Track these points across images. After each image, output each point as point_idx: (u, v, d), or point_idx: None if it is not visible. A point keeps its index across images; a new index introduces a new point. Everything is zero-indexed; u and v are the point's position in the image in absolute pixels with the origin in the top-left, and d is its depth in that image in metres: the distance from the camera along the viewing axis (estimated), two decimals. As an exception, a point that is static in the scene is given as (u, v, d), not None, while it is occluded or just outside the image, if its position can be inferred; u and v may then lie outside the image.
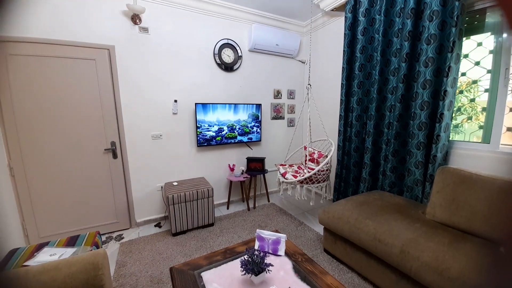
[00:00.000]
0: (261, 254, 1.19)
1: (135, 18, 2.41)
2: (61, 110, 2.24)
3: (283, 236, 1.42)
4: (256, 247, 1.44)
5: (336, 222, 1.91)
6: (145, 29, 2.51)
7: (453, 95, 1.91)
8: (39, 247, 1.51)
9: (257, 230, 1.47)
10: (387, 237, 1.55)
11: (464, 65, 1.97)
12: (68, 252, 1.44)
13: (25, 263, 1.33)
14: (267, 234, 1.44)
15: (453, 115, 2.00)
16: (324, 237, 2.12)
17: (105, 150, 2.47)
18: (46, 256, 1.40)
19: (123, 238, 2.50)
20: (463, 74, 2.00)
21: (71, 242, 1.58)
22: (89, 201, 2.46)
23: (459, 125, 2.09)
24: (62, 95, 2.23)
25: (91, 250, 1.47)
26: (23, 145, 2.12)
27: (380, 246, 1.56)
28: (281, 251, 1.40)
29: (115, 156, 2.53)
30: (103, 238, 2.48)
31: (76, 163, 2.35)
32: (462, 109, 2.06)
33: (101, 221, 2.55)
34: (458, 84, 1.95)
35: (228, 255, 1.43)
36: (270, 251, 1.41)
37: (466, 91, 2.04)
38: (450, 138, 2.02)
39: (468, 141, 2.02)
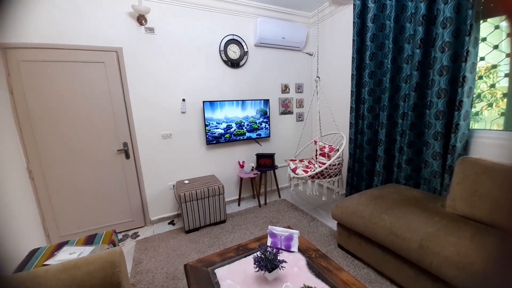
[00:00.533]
0: (274, 250, 1.17)
1: (140, 19, 2.42)
2: (74, 113, 2.30)
3: (295, 232, 1.40)
4: (268, 243, 1.43)
5: (350, 217, 1.86)
6: (151, 29, 2.52)
7: (473, 81, 1.80)
8: (59, 246, 1.56)
9: (269, 226, 1.46)
10: (405, 231, 1.49)
11: (482, 49, 1.85)
12: (86, 250, 1.48)
13: (46, 262, 1.38)
14: (279, 230, 1.43)
15: (473, 102, 1.89)
16: (338, 232, 2.08)
17: (118, 150, 2.53)
18: (66, 254, 1.45)
19: (138, 236, 2.56)
20: (482, 59, 1.88)
21: (89, 240, 1.63)
22: (105, 200, 2.53)
23: (479, 112, 1.97)
24: (74, 98, 2.29)
25: (108, 248, 1.51)
26: (40, 148, 2.20)
27: (397, 241, 1.50)
28: (294, 247, 1.38)
29: (127, 156, 2.58)
30: (120, 236, 2.55)
31: (91, 164, 2.42)
32: (481, 95, 1.94)
33: (118, 219, 2.62)
34: (477, 69, 1.84)
35: (240, 251, 1.42)
36: (283, 248, 1.39)
37: (485, 76, 1.91)
38: (470, 127, 1.91)
39: (489, 129, 1.90)
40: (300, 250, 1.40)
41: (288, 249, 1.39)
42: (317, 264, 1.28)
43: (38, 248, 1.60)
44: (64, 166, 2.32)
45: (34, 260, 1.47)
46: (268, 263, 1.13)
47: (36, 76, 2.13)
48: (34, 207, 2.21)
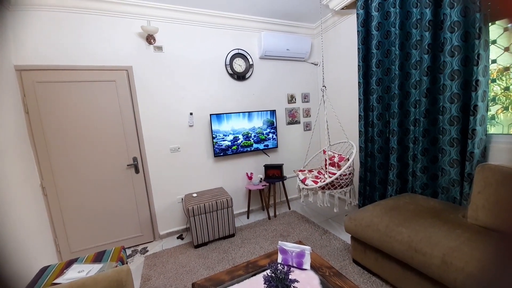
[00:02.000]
0: (285, 268, 1.11)
1: (149, 39, 2.52)
2: (85, 130, 2.37)
3: (307, 248, 1.34)
4: (279, 260, 1.37)
5: (364, 230, 1.78)
6: (159, 48, 2.61)
7: (486, 84, 1.73)
8: (69, 264, 1.56)
9: (279, 242, 1.40)
10: (425, 246, 1.40)
11: (492, 52, 1.79)
12: (95, 268, 1.47)
13: (55, 281, 1.38)
14: (290, 246, 1.37)
15: (488, 106, 1.81)
16: (352, 247, 1.98)
17: (127, 165, 2.56)
18: (75, 273, 1.44)
19: (147, 251, 2.54)
20: (493, 61, 1.82)
21: (98, 258, 1.62)
22: (115, 215, 2.54)
23: (495, 116, 1.88)
24: (86, 116, 2.36)
25: (116, 265, 1.49)
26: (53, 165, 2.27)
27: (417, 257, 1.41)
28: (306, 265, 1.31)
29: (137, 171, 2.61)
30: (129, 251, 2.54)
31: (101, 179, 2.46)
32: (496, 98, 1.86)
33: (127, 234, 2.61)
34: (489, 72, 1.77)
35: (250, 269, 1.37)
36: (294, 265, 1.33)
37: (498, 79, 1.84)
38: (487, 132, 1.82)
39: (508, 134, 1.80)
40: (313, 267, 1.33)
41: (299, 267, 1.32)
42: (332, 283, 1.21)
43: (48, 266, 1.60)
44: (76, 182, 2.36)
45: (44, 278, 1.47)
46: (279, 283, 1.07)
47: (51, 96, 2.22)
48: (47, 224, 2.25)
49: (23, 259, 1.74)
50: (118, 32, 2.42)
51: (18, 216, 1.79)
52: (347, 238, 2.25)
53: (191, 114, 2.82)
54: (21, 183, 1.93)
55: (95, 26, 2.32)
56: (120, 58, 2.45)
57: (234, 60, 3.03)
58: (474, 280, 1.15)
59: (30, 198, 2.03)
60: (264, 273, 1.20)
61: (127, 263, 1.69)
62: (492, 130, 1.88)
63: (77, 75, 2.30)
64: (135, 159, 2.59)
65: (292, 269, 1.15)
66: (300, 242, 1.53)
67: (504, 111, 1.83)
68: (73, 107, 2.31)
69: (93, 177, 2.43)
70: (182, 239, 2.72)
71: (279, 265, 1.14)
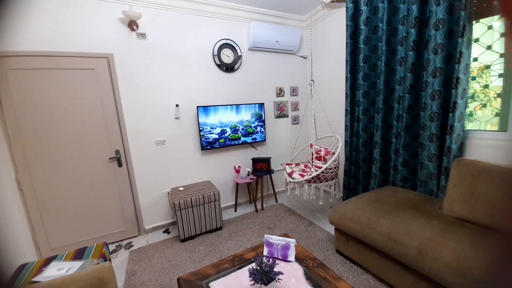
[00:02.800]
0: (270, 261, 1.13)
1: (132, 25, 2.38)
2: (64, 121, 2.24)
3: (292, 241, 1.37)
4: (265, 253, 1.39)
5: (347, 222, 1.83)
6: (142, 35, 2.48)
7: (466, 82, 1.80)
8: (47, 261, 1.50)
9: (265, 235, 1.42)
10: (403, 236, 1.47)
11: (475, 50, 1.85)
12: (75, 265, 1.42)
13: (34, 279, 1.32)
14: (275, 239, 1.39)
15: (467, 103, 1.89)
16: (336, 238, 2.05)
17: (110, 159, 2.47)
18: (54, 270, 1.38)
19: (132, 246, 2.50)
20: (475, 60, 1.88)
21: (79, 255, 1.57)
22: (97, 210, 2.46)
23: (473, 112, 1.97)
24: (64, 106, 2.23)
25: (98, 262, 1.45)
26: (28, 158, 2.14)
27: (396, 247, 1.48)
28: (291, 257, 1.34)
29: (120, 164, 2.52)
30: (113, 247, 2.48)
31: (82, 173, 2.36)
32: (474, 96, 1.94)
33: (110, 229, 2.55)
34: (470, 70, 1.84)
35: (236, 262, 1.38)
36: (279, 257, 1.36)
37: (478, 76, 1.92)
38: (465, 128, 1.91)
39: (484, 130, 1.90)
40: (298, 259, 1.36)
41: (285, 259, 1.35)
42: (315, 274, 1.25)
43: (26, 264, 1.53)
44: (54, 175, 2.25)
45: (22, 276, 1.41)
46: (264, 276, 1.08)
47: (26, 84, 2.07)
48: (24, 219, 2.14)
49: (0, 256, 1.65)
50: (98, 17, 2.27)
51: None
52: (331, 229, 2.32)
53: (177, 106, 2.74)
54: (-7, 177, 1.82)
55: (74, 11, 2.15)
56: (100, 45, 2.31)
57: (222, 51, 2.94)
58: (448, 268, 1.23)
59: (5, 193, 1.91)
60: (250, 266, 1.21)
61: (110, 259, 1.65)
62: (469, 126, 1.97)
63: (54, 61, 2.15)
64: (117, 152, 2.50)
65: (277, 261, 1.17)
66: (285, 235, 1.56)
67: (482, 108, 1.92)
68: (50, 96, 2.17)
69: (73, 170, 2.32)
70: (169, 233, 2.70)
71: (264, 258, 1.16)
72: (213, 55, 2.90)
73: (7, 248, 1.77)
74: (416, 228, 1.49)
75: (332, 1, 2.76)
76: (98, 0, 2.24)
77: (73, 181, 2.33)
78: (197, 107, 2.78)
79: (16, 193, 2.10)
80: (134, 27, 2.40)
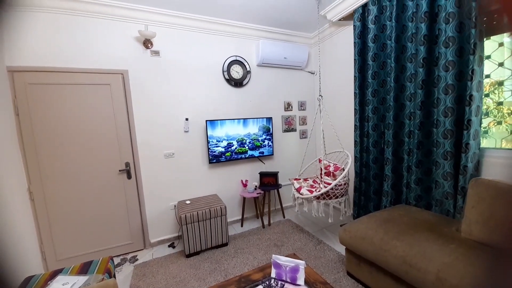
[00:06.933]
0: (279, 285, 1.08)
1: (146, 43, 2.50)
2: (77, 134, 2.31)
3: (301, 263, 1.31)
4: (272, 275, 1.33)
5: (359, 243, 1.76)
6: (156, 53, 2.59)
7: (480, 99, 1.76)
8: (53, 275, 1.49)
9: (273, 255, 1.37)
10: (419, 261, 1.38)
11: (487, 67, 1.83)
12: (80, 280, 1.41)
13: (38, 294, 1.31)
14: (284, 260, 1.34)
15: (481, 120, 1.83)
16: (347, 259, 1.96)
17: (119, 171, 2.50)
18: (59, 285, 1.37)
19: (137, 259, 2.46)
20: (487, 76, 1.86)
21: (84, 269, 1.55)
22: (104, 222, 2.47)
23: (487, 129, 1.92)
24: (79, 119, 2.31)
25: (103, 278, 1.43)
26: (42, 169, 2.20)
27: (412, 272, 1.39)
28: (300, 280, 1.28)
29: (129, 176, 2.55)
30: (118, 260, 2.46)
31: (92, 185, 2.39)
32: (488, 112, 1.89)
33: (116, 242, 2.53)
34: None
35: (242, 284, 1.33)
36: (288, 280, 1.30)
37: (491, 93, 1.88)
38: (480, 146, 1.84)
39: (501, 148, 1.83)
40: (307, 282, 1.30)
41: (293, 282, 1.29)
42: (325, 299, 1.18)
43: (33, 276, 1.53)
44: (65, 187, 2.29)
45: (27, 289, 1.40)
46: (272, 300, 1.04)
47: (43, 98, 2.17)
48: (33, 230, 2.16)
49: (8, 267, 1.66)
50: (115, 36, 2.39)
51: (5, 221, 1.72)
52: (341, 249, 2.23)
53: (186, 119, 2.79)
54: (9, 187, 1.86)
55: (92, 29, 2.29)
56: (116, 62, 2.42)
57: (232, 67, 3.02)
58: (469, 298, 1.14)
59: (17, 203, 1.95)
60: (257, 288, 1.16)
61: (114, 275, 1.62)
62: (484, 142, 1.91)
63: (71, 77, 2.25)
64: (127, 164, 2.53)
65: (285, 285, 1.12)
66: (294, 255, 1.50)
67: (496, 125, 1.86)
68: (65, 110, 2.26)
69: (84, 182, 2.36)
70: (174, 247, 2.66)
71: (272, 281, 1.11)
72: (223, 71, 2.98)
73: (16, 259, 1.78)
74: (433, 251, 1.41)
75: (340, 20, 2.82)
76: (115, 21, 2.37)
77: (83, 192, 2.36)
78: (206, 121, 2.82)
79: (28, 204, 2.13)
80: (149, 45, 2.51)
